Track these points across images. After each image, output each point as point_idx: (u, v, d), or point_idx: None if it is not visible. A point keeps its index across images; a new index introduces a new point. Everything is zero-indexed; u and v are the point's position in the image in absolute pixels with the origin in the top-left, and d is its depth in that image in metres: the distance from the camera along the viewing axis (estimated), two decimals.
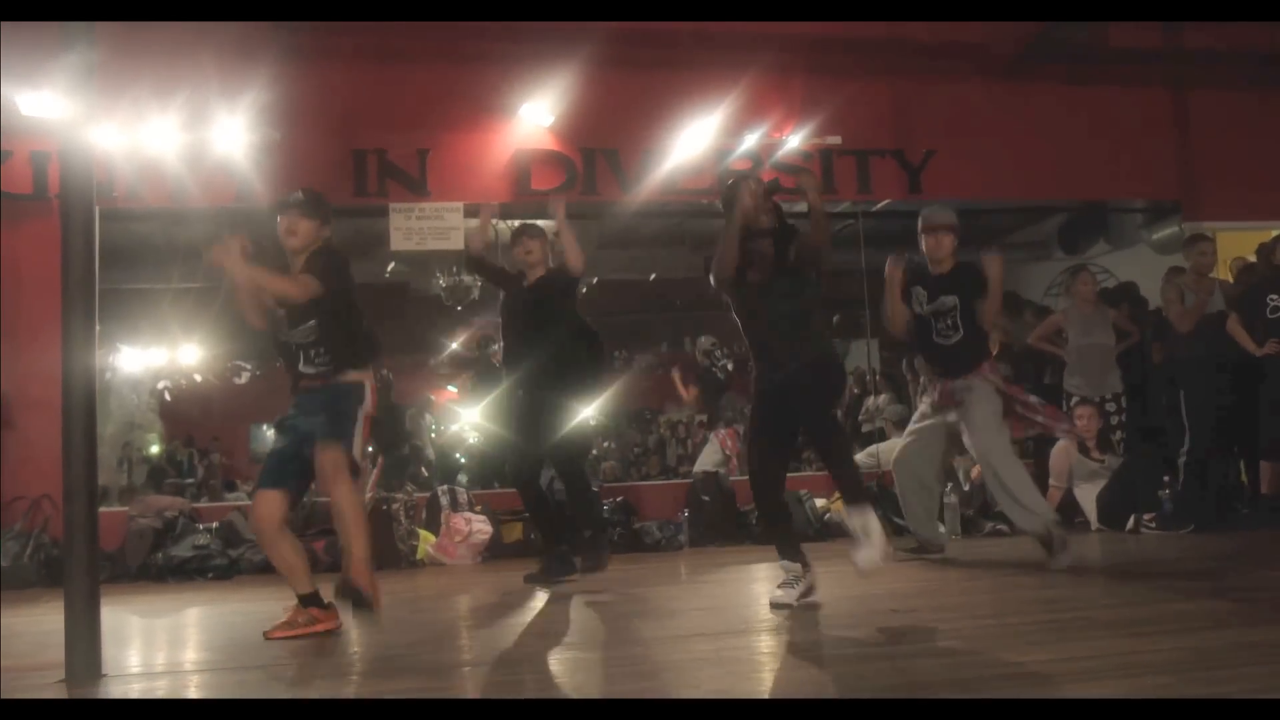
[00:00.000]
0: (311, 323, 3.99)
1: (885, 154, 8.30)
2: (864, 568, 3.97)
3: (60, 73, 3.57)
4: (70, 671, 3.25)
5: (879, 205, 8.49)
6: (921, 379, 9.21)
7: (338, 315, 4.02)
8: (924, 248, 5.54)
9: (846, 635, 3.59)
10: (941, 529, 6.15)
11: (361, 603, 3.74)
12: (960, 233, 5.55)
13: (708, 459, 9.49)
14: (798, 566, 4.15)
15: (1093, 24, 7.77)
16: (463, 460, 9.88)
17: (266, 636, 3.90)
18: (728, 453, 9.22)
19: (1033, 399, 5.54)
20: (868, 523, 3.96)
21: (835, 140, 8.08)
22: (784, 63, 7.95)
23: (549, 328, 5.29)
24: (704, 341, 10.56)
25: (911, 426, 5.82)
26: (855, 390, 12.05)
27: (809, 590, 4.12)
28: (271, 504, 3.98)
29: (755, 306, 4.26)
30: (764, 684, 2.97)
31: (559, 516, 5.49)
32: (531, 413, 5.26)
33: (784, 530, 4.35)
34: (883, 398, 10.62)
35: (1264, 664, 2.79)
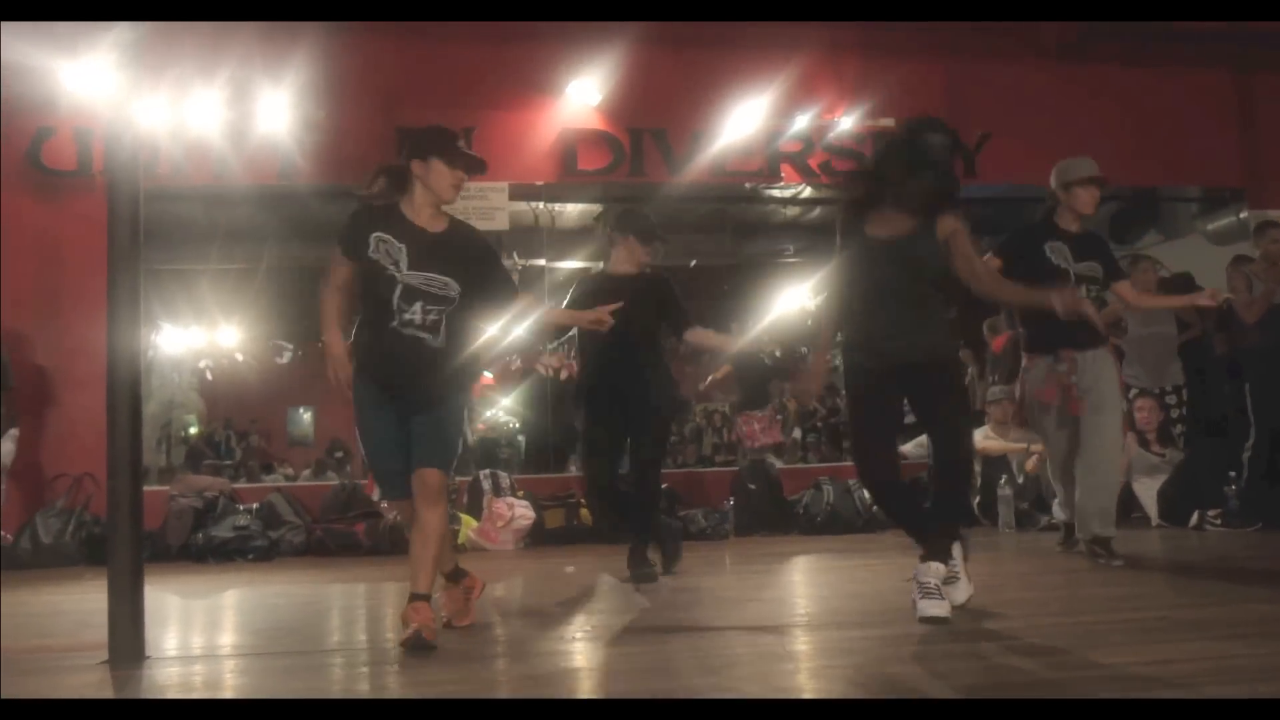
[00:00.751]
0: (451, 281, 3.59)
1: None
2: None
3: (106, 47, 3.47)
4: (114, 653, 3.17)
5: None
6: (969, 368, 8.97)
7: None
8: (1075, 202, 5.11)
9: (913, 631, 3.42)
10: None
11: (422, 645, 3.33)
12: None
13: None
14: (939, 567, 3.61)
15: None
16: (504, 447, 9.82)
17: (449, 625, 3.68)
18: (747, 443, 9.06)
19: None
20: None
21: (888, 123, 7.86)
22: (836, 40, 7.76)
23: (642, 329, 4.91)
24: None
25: (1047, 420, 5.20)
26: None
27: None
28: None
29: None
30: (845, 682, 2.81)
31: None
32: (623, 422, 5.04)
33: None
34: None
35: None
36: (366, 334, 3.54)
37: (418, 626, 3.28)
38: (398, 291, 3.43)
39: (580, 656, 3.27)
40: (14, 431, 6.54)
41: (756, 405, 9.14)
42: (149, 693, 2.84)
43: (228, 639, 3.94)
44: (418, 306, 3.45)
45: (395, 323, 3.44)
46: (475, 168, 3.62)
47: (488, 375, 11.76)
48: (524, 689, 2.83)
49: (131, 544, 3.22)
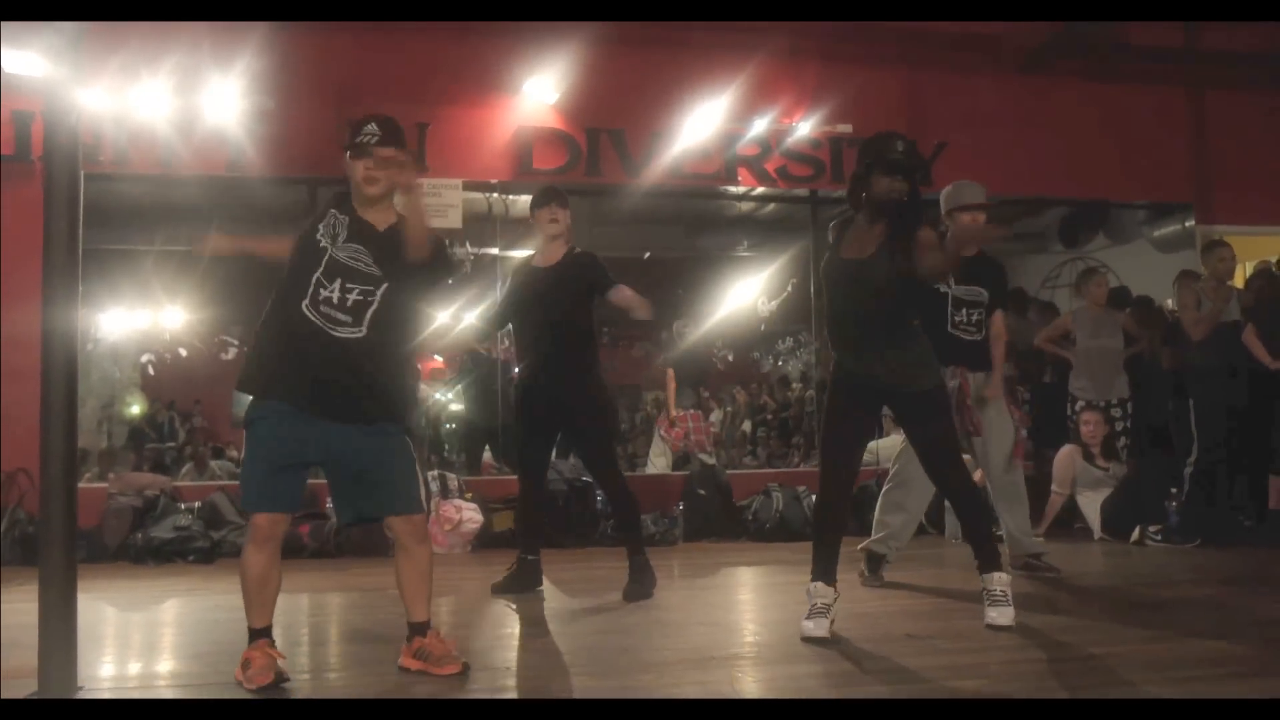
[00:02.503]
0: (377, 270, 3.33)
1: None
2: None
3: (47, 30, 3.34)
4: (44, 686, 3.06)
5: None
6: None
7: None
8: (956, 227, 5.04)
9: (869, 660, 3.41)
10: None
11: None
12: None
13: (656, 452, 9.32)
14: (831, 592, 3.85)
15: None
16: (448, 432, 9.71)
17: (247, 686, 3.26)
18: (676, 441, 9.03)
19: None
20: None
21: (846, 129, 7.88)
22: (796, 47, 7.75)
23: (567, 319, 4.83)
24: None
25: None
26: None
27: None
28: None
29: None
30: None
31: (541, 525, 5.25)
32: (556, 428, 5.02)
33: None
34: None
35: None
36: (271, 325, 3.31)
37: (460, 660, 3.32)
38: (322, 265, 3.24)
39: (510, 690, 3.23)
40: None
41: (688, 404, 9.11)
42: None
43: (165, 665, 3.84)
44: (337, 284, 3.23)
45: (306, 302, 3.22)
46: (360, 152, 3.32)
47: (437, 359, 11.68)
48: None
49: (64, 570, 3.11)
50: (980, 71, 8.16)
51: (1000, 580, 3.91)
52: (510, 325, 5.18)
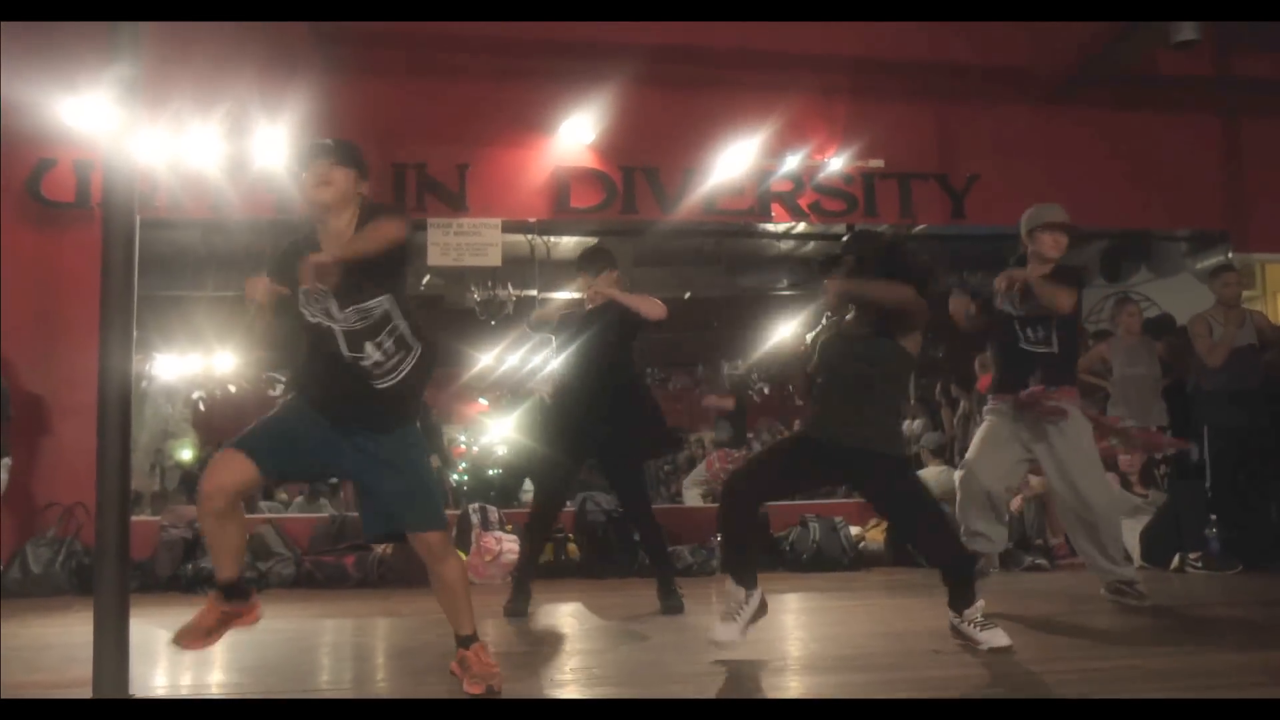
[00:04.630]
0: (378, 299, 3.36)
1: (928, 178, 8.18)
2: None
3: (105, 81, 3.54)
4: (98, 691, 3.20)
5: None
6: (961, 403, 9.06)
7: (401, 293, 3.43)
8: (1039, 248, 5.13)
9: (894, 677, 3.47)
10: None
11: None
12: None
13: (692, 481, 9.41)
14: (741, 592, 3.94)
15: (1142, 50, 7.65)
16: (495, 474, 9.85)
17: (178, 643, 3.49)
18: (708, 476, 9.14)
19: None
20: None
21: (878, 164, 7.97)
22: (827, 84, 7.88)
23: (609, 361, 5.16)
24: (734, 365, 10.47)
25: (982, 435, 5.23)
26: None
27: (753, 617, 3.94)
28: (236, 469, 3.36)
29: None
30: None
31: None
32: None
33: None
34: (918, 423, 10.47)
35: None
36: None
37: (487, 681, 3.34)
38: (342, 342, 3.38)
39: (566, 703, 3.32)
40: (7, 460, 6.58)
41: (736, 444, 9.20)
42: None
43: (214, 677, 3.98)
44: (368, 346, 3.37)
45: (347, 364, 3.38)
46: (311, 154, 3.40)
47: (482, 401, 11.84)
48: None
49: (118, 581, 3.26)
50: (1011, 103, 8.22)
51: (976, 610, 3.95)
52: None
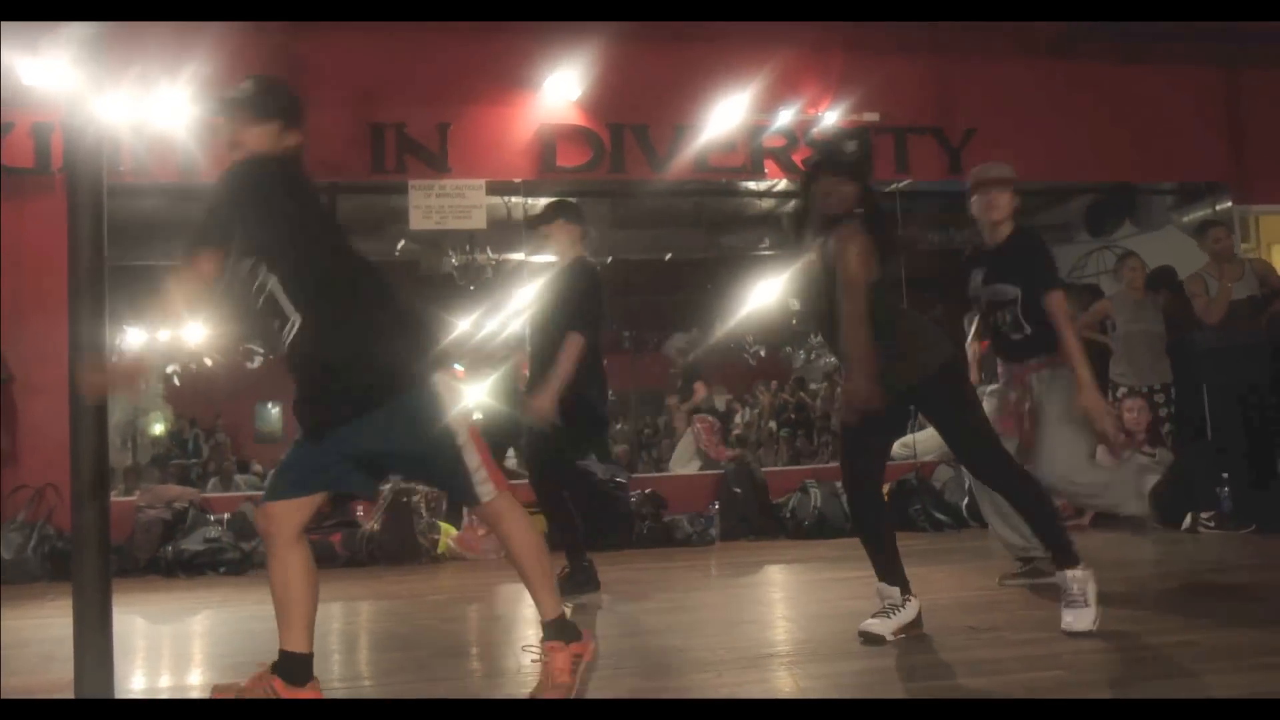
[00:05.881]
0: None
1: (925, 132, 7.96)
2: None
3: (65, 40, 3.25)
4: (79, 694, 2.97)
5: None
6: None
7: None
8: (974, 211, 4.53)
9: (934, 658, 3.27)
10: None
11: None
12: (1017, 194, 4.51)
13: (684, 454, 9.21)
14: (895, 592, 3.58)
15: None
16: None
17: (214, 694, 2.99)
18: (702, 446, 8.94)
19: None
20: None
21: (873, 117, 7.74)
22: (821, 37, 7.60)
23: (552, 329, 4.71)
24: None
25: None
26: None
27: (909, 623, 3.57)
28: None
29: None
30: None
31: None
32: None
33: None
34: None
35: None
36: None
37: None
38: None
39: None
40: None
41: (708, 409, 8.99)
42: None
43: (200, 676, 3.73)
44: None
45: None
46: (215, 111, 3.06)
47: (458, 368, 11.58)
48: None
49: (99, 579, 3.00)
50: (1009, 56, 7.99)
51: (1077, 579, 3.52)
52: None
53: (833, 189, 3.56)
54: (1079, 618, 3.49)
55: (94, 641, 2.97)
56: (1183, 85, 8.34)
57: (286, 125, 2.93)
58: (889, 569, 3.62)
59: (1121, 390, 7.10)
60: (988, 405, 4.45)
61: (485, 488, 2.84)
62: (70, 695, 2.96)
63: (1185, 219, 9.06)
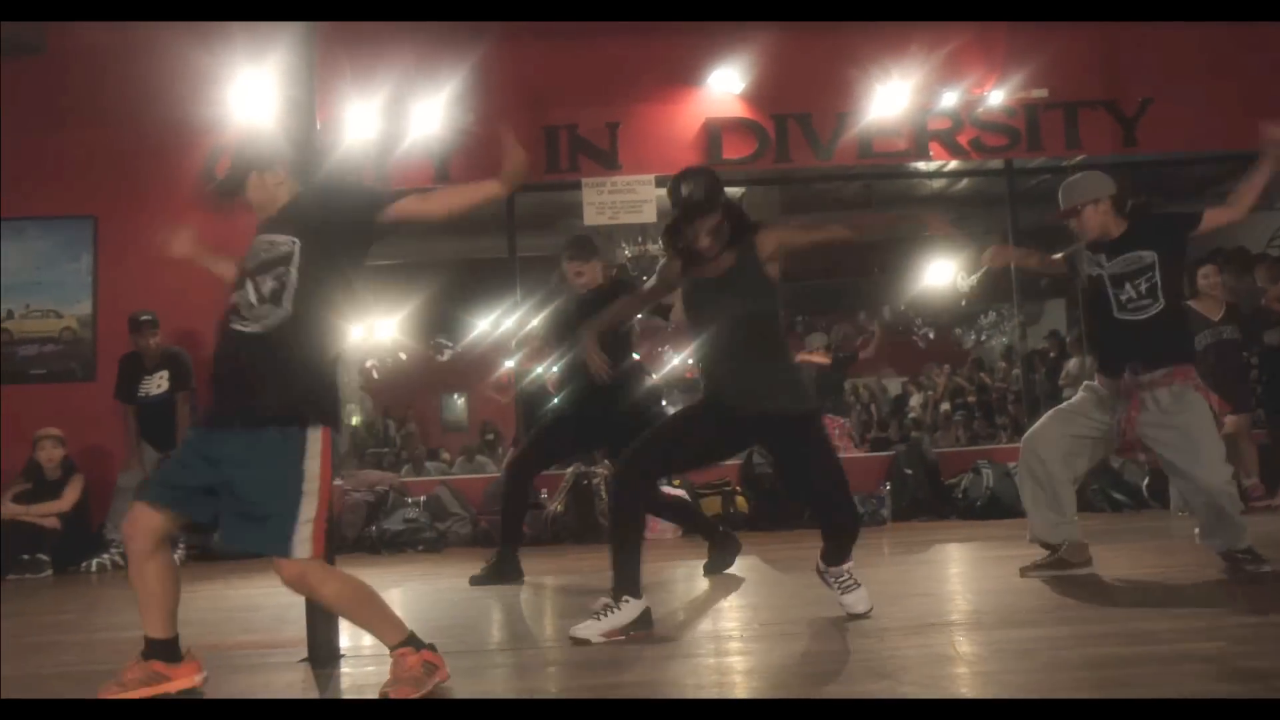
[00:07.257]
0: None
1: (1096, 105, 7.79)
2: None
3: (277, 69, 3.66)
4: (312, 651, 3.39)
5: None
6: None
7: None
8: (1080, 227, 4.33)
9: (1085, 631, 3.36)
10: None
11: None
12: (1115, 199, 4.27)
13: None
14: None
15: None
16: None
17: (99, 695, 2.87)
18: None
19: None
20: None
21: (1041, 93, 7.66)
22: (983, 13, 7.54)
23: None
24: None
25: (1069, 408, 4.49)
26: (1052, 353, 11.54)
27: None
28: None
29: None
30: (1016, 689, 2.79)
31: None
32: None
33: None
34: (1073, 362, 10.10)
35: None
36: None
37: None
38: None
39: (750, 656, 3.32)
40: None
41: (837, 411, 8.78)
42: (351, 692, 3.03)
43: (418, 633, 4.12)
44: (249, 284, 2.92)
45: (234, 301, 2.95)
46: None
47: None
48: (699, 690, 2.90)
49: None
50: (1183, 20, 7.71)
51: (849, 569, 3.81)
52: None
53: (702, 228, 3.61)
54: (858, 599, 3.76)
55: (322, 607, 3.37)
56: None
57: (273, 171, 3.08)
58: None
59: None
60: (1084, 415, 4.39)
61: (303, 545, 2.82)
62: (303, 653, 3.38)
63: None
